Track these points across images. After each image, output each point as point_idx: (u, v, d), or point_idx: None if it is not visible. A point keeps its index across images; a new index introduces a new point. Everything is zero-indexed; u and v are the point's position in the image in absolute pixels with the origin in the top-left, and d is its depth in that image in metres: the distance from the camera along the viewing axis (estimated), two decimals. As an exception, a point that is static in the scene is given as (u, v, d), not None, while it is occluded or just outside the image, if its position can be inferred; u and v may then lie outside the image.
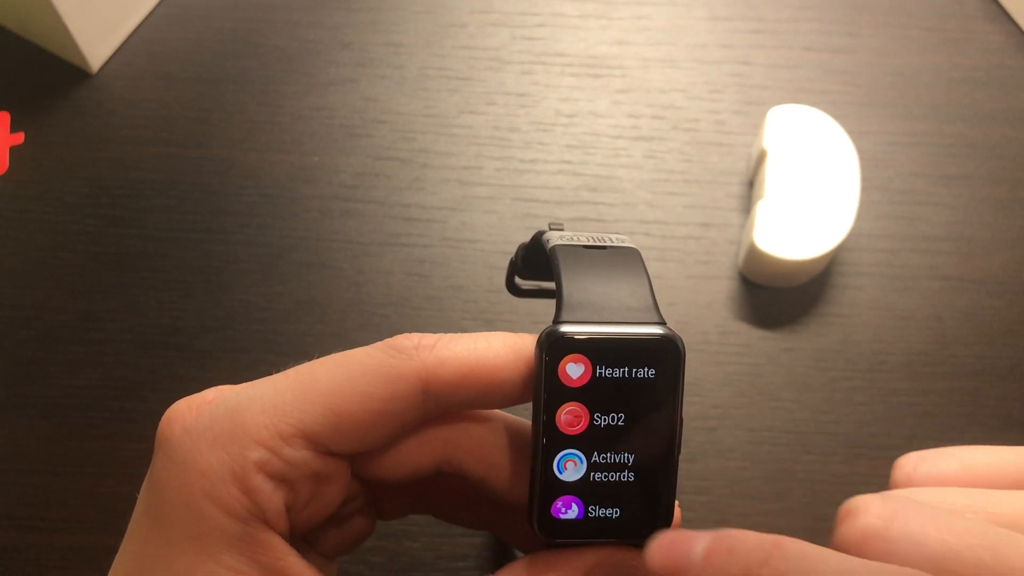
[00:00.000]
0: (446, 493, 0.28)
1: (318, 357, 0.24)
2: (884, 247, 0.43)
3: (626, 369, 0.23)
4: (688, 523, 0.37)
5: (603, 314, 0.23)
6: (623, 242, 0.26)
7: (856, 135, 0.43)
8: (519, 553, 0.36)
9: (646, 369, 0.23)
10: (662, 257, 0.42)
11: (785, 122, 0.42)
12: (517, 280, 0.32)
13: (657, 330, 0.23)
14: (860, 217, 0.41)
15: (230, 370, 0.40)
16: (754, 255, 0.40)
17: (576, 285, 0.24)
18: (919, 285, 0.42)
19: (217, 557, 0.22)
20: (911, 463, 0.29)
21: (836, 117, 0.43)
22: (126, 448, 0.39)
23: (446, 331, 0.41)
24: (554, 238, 0.26)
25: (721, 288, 0.42)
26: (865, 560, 0.21)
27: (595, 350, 0.23)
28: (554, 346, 0.22)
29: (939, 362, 0.41)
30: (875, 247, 0.43)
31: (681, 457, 0.39)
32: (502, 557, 0.37)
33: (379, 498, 0.28)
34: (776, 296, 0.42)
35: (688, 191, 0.44)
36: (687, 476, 0.38)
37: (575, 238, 0.25)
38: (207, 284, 0.42)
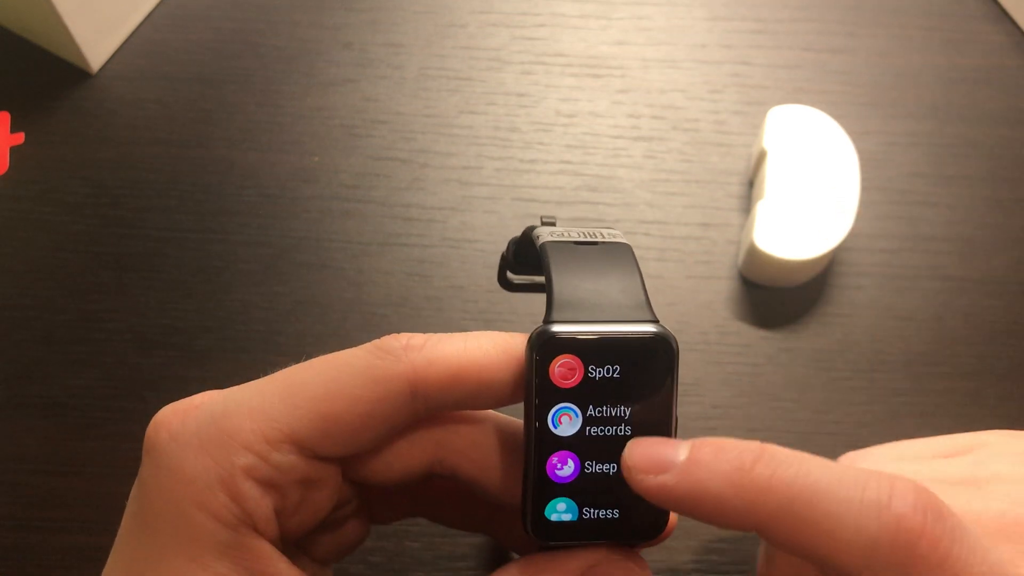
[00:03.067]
0: (439, 496, 0.28)
1: (309, 359, 0.24)
2: (884, 247, 0.43)
3: (618, 368, 0.22)
4: (688, 523, 0.37)
5: (594, 312, 0.23)
6: (614, 237, 0.25)
7: (856, 135, 0.43)
8: (515, 555, 0.36)
9: (639, 368, 0.23)
10: (662, 257, 0.42)
11: (785, 122, 0.42)
12: (509, 275, 0.32)
13: (649, 328, 0.23)
14: (860, 217, 0.41)
15: (230, 370, 0.40)
16: (754, 255, 0.40)
17: (566, 283, 0.23)
18: (919, 285, 0.42)
19: (206, 564, 0.22)
20: (848, 459, 0.32)
21: (836, 117, 0.43)
22: (126, 448, 0.39)
23: (447, 332, 0.41)
24: (544, 234, 0.25)
25: (721, 288, 0.42)
26: (841, 463, 0.22)
27: (586, 350, 0.22)
28: (545, 346, 0.22)
29: (939, 362, 0.41)
30: (875, 247, 0.43)
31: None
32: (502, 557, 0.37)
33: (372, 502, 0.28)
34: (776, 296, 0.42)
35: (688, 191, 0.44)
36: (687, 476, 0.38)
37: (565, 234, 0.25)
38: (207, 284, 0.42)
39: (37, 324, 0.41)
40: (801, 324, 0.41)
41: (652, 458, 0.22)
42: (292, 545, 0.25)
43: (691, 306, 0.41)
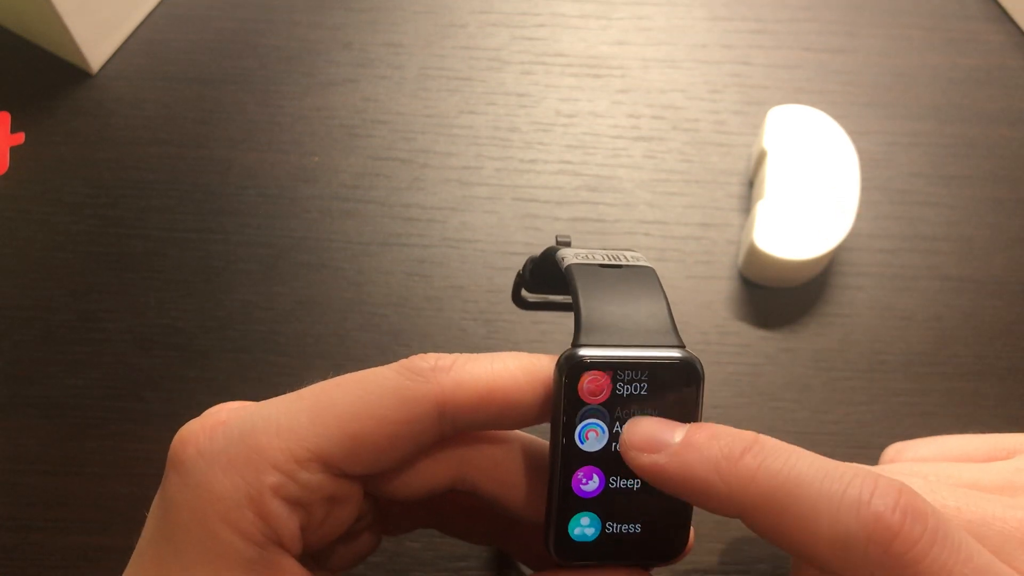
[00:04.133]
0: (454, 509, 0.28)
1: (332, 370, 0.24)
2: (884, 247, 0.43)
3: (645, 391, 0.23)
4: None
5: (622, 337, 0.23)
6: (638, 260, 0.26)
7: (856, 135, 0.43)
8: (526, 569, 0.36)
9: (665, 391, 0.23)
10: (662, 257, 0.42)
11: (785, 122, 0.42)
12: (524, 293, 0.32)
13: (676, 353, 0.23)
14: (860, 217, 0.41)
15: (230, 370, 0.40)
16: (754, 255, 0.40)
17: (594, 307, 0.24)
18: (919, 285, 0.42)
19: None
20: (895, 449, 0.33)
21: (836, 117, 0.43)
22: (126, 448, 0.39)
23: (446, 331, 0.41)
24: (569, 256, 0.25)
25: (721, 288, 0.42)
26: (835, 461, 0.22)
27: (613, 373, 0.23)
28: (574, 370, 0.23)
29: (939, 362, 0.41)
30: (875, 247, 0.43)
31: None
32: (503, 559, 0.37)
33: (388, 514, 0.28)
34: (776, 296, 0.42)
35: (688, 191, 0.44)
36: (687, 476, 0.38)
37: (590, 256, 0.25)
38: (207, 284, 0.42)
39: (37, 324, 0.41)
40: (801, 324, 0.41)
41: (648, 437, 0.23)
42: (309, 558, 0.25)
43: (691, 306, 0.41)
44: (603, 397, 0.23)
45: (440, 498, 0.27)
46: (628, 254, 0.26)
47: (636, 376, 0.23)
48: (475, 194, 0.44)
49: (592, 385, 0.23)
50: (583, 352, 0.23)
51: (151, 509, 0.24)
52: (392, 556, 0.37)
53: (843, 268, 0.42)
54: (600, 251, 0.26)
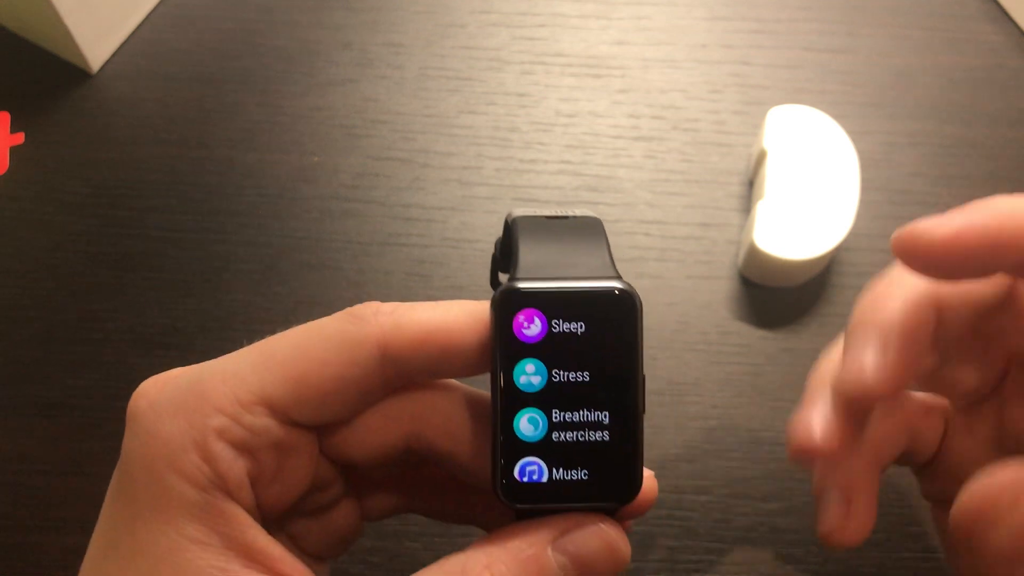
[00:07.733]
0: (430, 486, 0.28)
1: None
2: (884, 247, 0.43)
3: (582, 324, 0.22)
4: (688, 523, 0.37)
5: (557, 271, 0.23)
6: (586, 213, 0.25)
7: (856, 135, 0.43)
8: None
9: (602, 323, 0.23)
10: (662, 257, 0.42)
11: (785, 122, 0.42)
12: (500, 276, 0.32)
13: (612, 284, 0.23)
14: (860, 217, 0.41)
15: (230, 370, 0.40)
16: (754, 255, 0.40)
17: (532, 248, 0.24)
18: (919, 285, 0.42)
19: (178, 526, 0.22)
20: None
21: (836, 117, 0.43)
22: (126, 448, 0.39)
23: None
24: (516, 212, 0.25)
25: (721, 288, 0.42)
26: None
27: (549, 304, 0.22)
28: (507, 301, 0.22)
29: (939, 362, 0.41)
30: (875, 247, 0.43)
31: (681, 457, 0.39)
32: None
33: (361, 490, 0.28)
34: (776, 296, 0.42)
35: (688, 191, 0.44)
36: (687, 476, 0.38)
37: (538, 210, 0.25)
38: (207, 284, 0.42)
39: (37, 324, 0.41)
40: (801, 324, 0.41)
41: (915, 227, 0.25)
42: (279, 530, 0.25)
43: (691, 306, 0.41)
44: (539, 335, 0.22)
45: (410, 473, 0.27)
46: (577, 210, 0.26)
47: (572, 308, 0.22)
48: (475, 194, 0.44)
49: (527, 323, 0.22)
50: (517, 284, 0.22)
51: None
52: (392, 556, 0.37)
53: (843, 268, 0.42)
54: (551, 207, 0.26)
